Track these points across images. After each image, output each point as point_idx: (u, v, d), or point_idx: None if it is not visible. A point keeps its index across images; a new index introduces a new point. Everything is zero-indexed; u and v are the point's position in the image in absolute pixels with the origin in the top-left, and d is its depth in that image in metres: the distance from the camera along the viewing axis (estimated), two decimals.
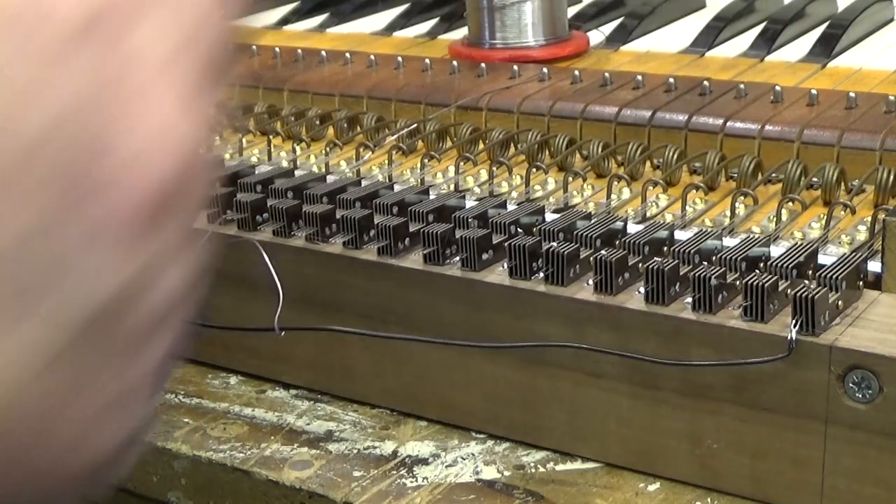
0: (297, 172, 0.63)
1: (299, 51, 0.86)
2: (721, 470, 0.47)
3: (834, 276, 0.45)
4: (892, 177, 0.58)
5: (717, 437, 0.47)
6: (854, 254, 0.48)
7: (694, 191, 0.60)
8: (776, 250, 0.49)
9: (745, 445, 0.46)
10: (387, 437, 0.53)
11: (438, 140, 0.71)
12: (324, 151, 0.69)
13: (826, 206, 0.59)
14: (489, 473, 0.50)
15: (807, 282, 0.46)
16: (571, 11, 0.94)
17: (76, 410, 0.25)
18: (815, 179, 0.60)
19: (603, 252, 0.48)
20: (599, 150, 0.66)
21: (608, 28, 0.92)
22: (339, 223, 0.55)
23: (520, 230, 0.53)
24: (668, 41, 0.89)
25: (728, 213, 0.57)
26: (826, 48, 0.82)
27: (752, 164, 0.61)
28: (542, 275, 0.49)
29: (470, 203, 0.57)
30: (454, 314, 0.51)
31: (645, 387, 0.48)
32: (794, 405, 0.45)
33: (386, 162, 0.67)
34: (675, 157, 0.64)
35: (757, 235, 0.51)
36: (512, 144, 0.69)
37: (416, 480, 0.50)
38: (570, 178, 0.62)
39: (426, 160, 0.66)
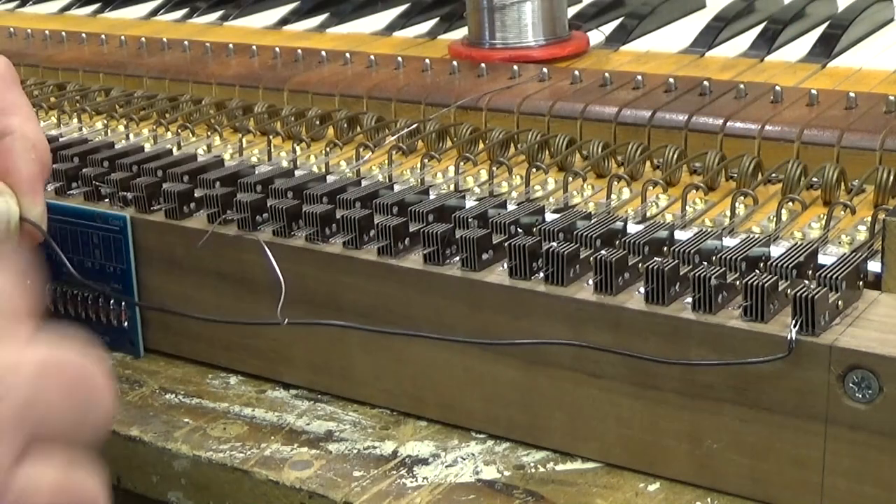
0: (297, 172, 0.63)
1: (299, 51, 0.86)
2: (721, 470, 0.47)
3: (834, 276, 0.45)
4: (892, 177, 0.58)
5: (717, 437, 0.47)
6: (854, 254, 0.48)
7: (694, 191, 0.60)
8: (776, 250, 0.49)
9: (745, 445, 0.46)
10: (387, 437, 0.53)
11: (438, 140, 0.71)
12: (324, 151, 0.69)
13: (826, 206, 0.59)
14: (489, 473, 0.50)
15: (807, 282, 0.46)
16: (571, 11, 0.94)
17: None
18: (815, 179, 0.60)
19: (603, 252, 0.48)
20: (599, 150, 0.66)
21: (608, 28, 0.92)
22: (339, 223, 0.55)
23: (520, 230, 0.53)
24: (668, 41, 0.89)
25: (728, 213, 0.57)
26: (826, 48, 0.82)
27: (752, 164, 0.61)
28: (542, 275, 0.49)
29: (470, 203, 0.57)
30: (454, 314, 0.51)
31: (645, 387, 0.48)
32: (794, 405, 0.45)
33: (386, 162, 0.67)
34: (675, 157, 0.64)
35: (757, 235, 0.51)
36: (512, 144, 0.69)
37: (416, 480, 0.50)
38: (570, 178, 0.62)
39: (426, 160, 0.66)
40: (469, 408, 0.53)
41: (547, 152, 0.67)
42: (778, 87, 0.70)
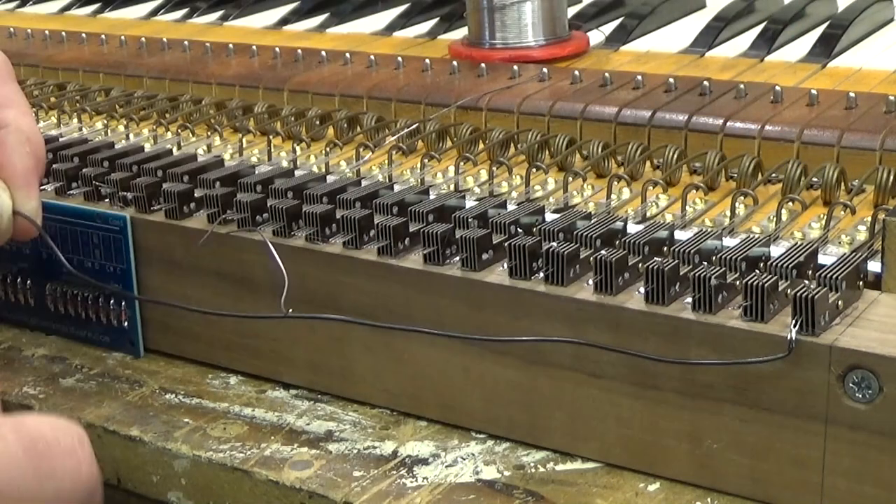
0: (297, 172, 0.63)
1: (299, 51, 0.86)
2: (721, 470, 0.47)
3: (834, 276, 0.45)
4: (892, 177, 0.58)
5: (717, 437, 0.47)
6: (854, 254, 0.48)
7: (694, 191, 0.60)
8: (776, 250, 0.49)
9: (745, 445, 0.46)
10: (387, 437, 0.53)
11: (438, 140, 0.71)
12: (324, 151, 0.69)
13: (826, 206, 0.59)
14: (489, 473, 0.50)
15: (807, 282, 0.46)
16: (571, 11, 0.94)
17: None
18: (815, 179, 0.60)
19: (603, 252, 0.48)
20: (599, 150, 0.66)
21: (608, 28, 0.92)
22: (339, 223, 0.55)
23: (520, 230, 0.53)
24: (668, 41, 0.89)
25: (728, 213, 0.57)
26: (826, 48, 0.82)
27: (752, 164, 0.61)
28: (542, 275, 0.49)
29: (470, 203, 0.57)
30: (454, 314, 0.51)
31: (645, 387, 0.48)
32: (794, 405, 0.45)
33: (386, 162, 0.67)
34: (675, 157, 0.64)
35: (757, 235, 0.51)
36: (512, 144, 0.69)
37: (416, 480, 0.50)
38: (570, 178, 0.62)
39: (426, 160, 0.66)
40: (469, 408, 0.53)
41: (547, 152, 0.67)
42: (778, 87, 0.70)
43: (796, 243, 0.49)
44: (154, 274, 0.60)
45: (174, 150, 0.70)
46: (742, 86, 0.71)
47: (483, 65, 0.80)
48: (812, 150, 0.64)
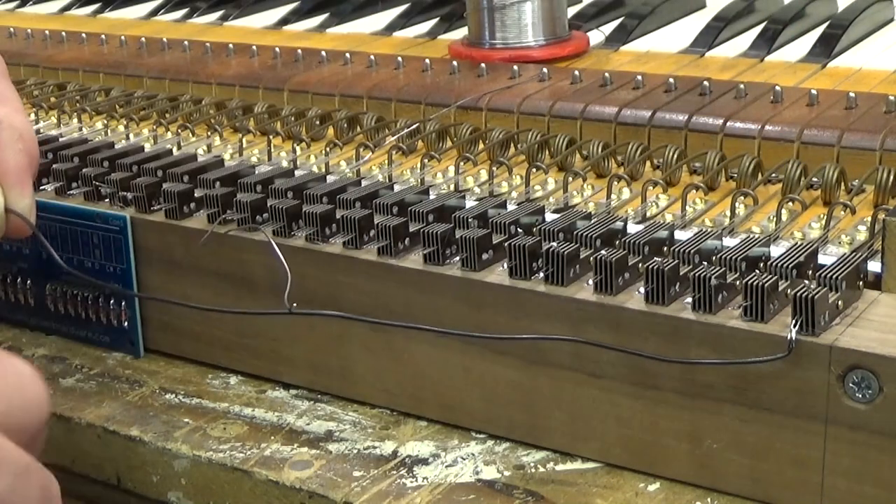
0: (297, 172, 0.63)
1: (299, 51, 0.86)
2: (721, 470, 0.47)
3: (834, 276, 0.45)
4: (892, 177, 0.58)
5: (717, 437, 0.47)
6: (854, 254, 0.48)
7: (694, 191, 0.60)
8: (776, 250, 0.49)
9: (745, 445, 0.46)
10: (387, 437, 0.53)
11: (438, 140, 0.71)
12: (324, 151, 0.69)
13: (826, 206, 0.59)
14: (489, 473, 0.50)
15: (807, 282, 0.46)
16: (571, 11, 0.94)
17: None
18: (815, 179, 0.60)
19: (603, 252, 0.48)
20: (599, 150, 0.66)
21: (608, 28, 0.92)
22: (339, 223, 0.55)
23: (520, 230, 0.53)
24: (668, 41, 0.89)
25: (728, 213, 0.57)
26: (826, 48, 0.82)
27: (752, 164, 0.61)
28: (542, 275, 0.49)
29: (470, 203, 0.57)
30: (454, 314, 0.51)
31: (645, 387, 0.48)
32: (794, 405, 0.45)
33: (386, 162, 0.67)
34: (675, 157, 0.64)
35: (757, 235, 0.51)
36: (512, 144, 0.69)
37: (416, 480, 0.50)
38: (570, 178, 0.62)
39: (426, 160, 0.66)
40: (469, 408, 0.53)
41: (547, 152, 0.67)
42: (778, 87, 0.70)
43: (796, 243, 0.49)
44: (154, 274, 0.60)
45: (174, 150, 0.70)
46: (742, 86, 0.71)
47: (483, 65, 0.80)
48: (812, 150, 0.64)
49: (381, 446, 0.53)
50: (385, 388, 0.55)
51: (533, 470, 0.50)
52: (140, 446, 0.54)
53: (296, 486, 0.50)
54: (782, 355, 0.44)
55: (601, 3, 0.97)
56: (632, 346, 0.47)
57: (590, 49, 0.86)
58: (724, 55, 0.84)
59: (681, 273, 0.47)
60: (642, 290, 0.47)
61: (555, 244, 0.50)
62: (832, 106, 0.67)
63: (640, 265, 0.48)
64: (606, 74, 0.75)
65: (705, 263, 0.48)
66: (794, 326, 0.44)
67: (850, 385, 0.43)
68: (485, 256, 0.51)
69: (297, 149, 0.71)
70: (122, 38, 0.95)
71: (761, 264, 0.48)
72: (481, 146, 0.70)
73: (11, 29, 1.02)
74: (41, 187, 0.64)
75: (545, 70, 0.77)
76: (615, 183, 0.61)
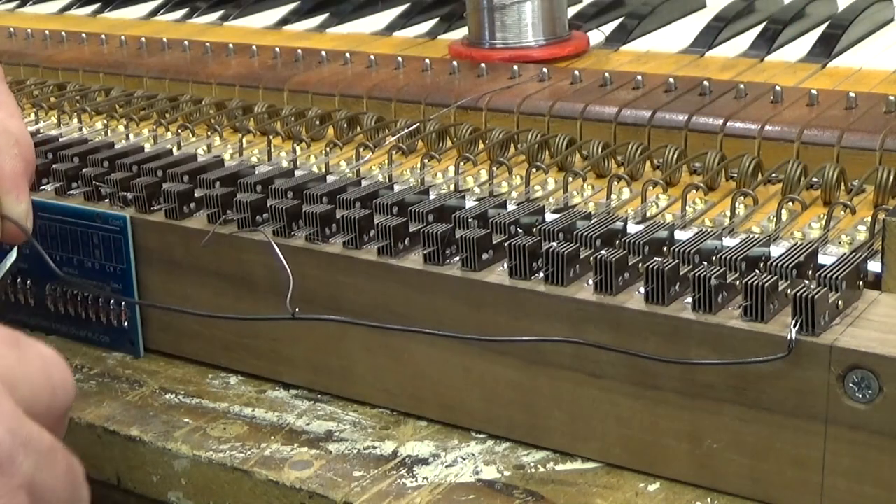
0: (297, 172, 0.63)
1: (299, 51, 0.86)
2: (721, 470, 0.47)
3: (834, 276, 0.45)
4: (892, 177, 0.58)
5: (717, 437, 0.47)
6: (854, 254, 0.48)
7: (694, 191, 0.60)
8: (776, 250, 0.49)
9: (745, 445, 0.46)
10: (387, 437, 0.53)
11: (438, 140, 0.71)
12: (324, 151, 0.69)
13: (826, 206, 0.59)
14: (489, 473, 0.50)
15: (807, 282, 0.46)
16: (571, 11, 0.94)
17: None
18: (815, 179, 0.60)
19: (603, 252, 0.48)
20: (599, 150, 0.66)
21: (608, 28, 0.92)
22: (339, 223, 0.55)
23: (520, 230, 0.53)
24: (668, 41, 0.89)
25: (728, 213, 0.57)
26: (826, 48, 0.82)
27: (752, 164, 0.61)
28: (542, 275, 0.49)
29: (470, 203, 0.57)
30: (454, 314, 0.51)
31: (645, 387, 0.48)
32: (794, 405, 0.45)
33: (386, 162, 0.67)
34: (675, 157, 0.64)
35: (757, 235, 0.51)
36: (512, 144, 0.69)
37: (416, 480, 0.50)
38: (570, 178, 0.62)
39: (426, 160, 0.66)
40: (469, 408, 0.53)
41: (547, 152, 0.67)
42: (778, 87, 0.70)
43: (796, 243, 0.49)
44: (154, 274, 0.60)
45: (174, 150, 0.70)
46: (742, 86, 0.71)
47: (483, 65, 0.80)
48: (812, 150, 0.64)
49: (381, 446, 0.53)
50: (385, 388, 0.55)
51: (533, 470, 0.50)
52: (140, 446, 0.54)
53: (296, 486, 0.50)
54: (782, 355, 0.44)
55: (601, 3, 0.97)
56: (632, 347, 0.47)
57: (590, 49, 0.86)
58: (724, 55, 0.84)
59: (681, 273, 0.47)
60: (642, 290, 0.47)
61: (555, 244, 0.50)
62: (832, 106, 0.67)
63: (640, 265, 0.48)
64: (606, 74, 0.75)
65: (705, 263, 0.48)
66: (794, 326, 0.44)
67: (850, 385, 0.43)
68: (485, 256, 0.51)
69: (297, 149, 0.71)
70: (122, 38, 0.95)
71: (761, 264, 0.48)
72: (481, 146, 0.70)
73: (11, 29, 1.02)
74: (41, 187, 0.64)
75: (545, 70, 0.77)
76: (615, 183, 0.61)
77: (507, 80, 0.76)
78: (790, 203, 0.57)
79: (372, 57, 0.83)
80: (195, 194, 0.60)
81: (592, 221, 0.52)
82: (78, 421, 0.56)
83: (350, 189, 0.58)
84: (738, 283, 0.46)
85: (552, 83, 0.75)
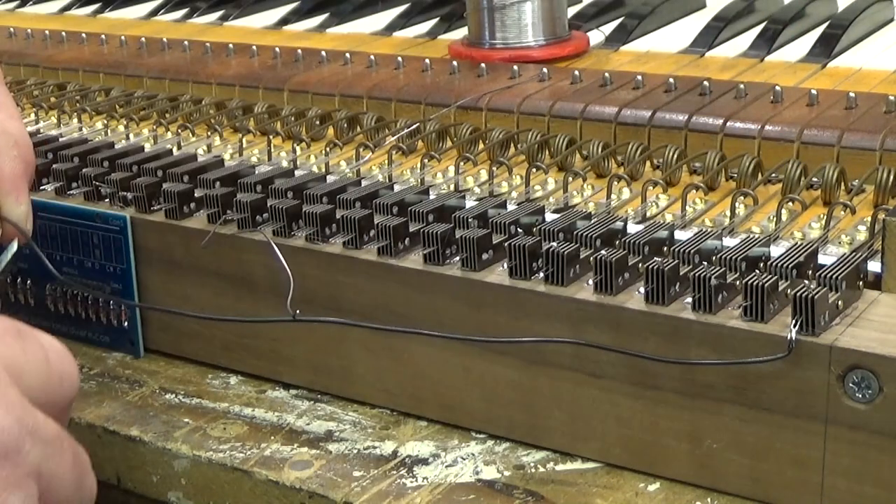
0: (297, 172, 0.63)
1: (299, 51, 0.86)
2: (721, 470, 0.47)
3: (834, 276, 0.45)
4: (892, 177, 0.58)
5: (717, 437, 0.47)
6: (854, 254, 0.48)
7: (694, 191, 0.60)
8: (776, 250, 0.49)
9: (745, 445, 0.46)
10: (387, 437, 0.53)
11: (438, 140, 0.71)
12: (324, 151, 0.69)
13: (826, 206, 0.59)
14: (489, 473, 0.50)
15: (807, 282, 0.46)
16: (571, 11, 0.94)
17: None
18: (815, 179, 0.60)
19: (603, 252, 0.48)
20: (599, 150, 0.66)
21: (608, 28, 0.92)
22: (339, 223, 0.55)
23: (520, 230, 0.53)
24: (668, 41, 0.89)
25: (728, 213, 0.57)
26: (826, 48, 0.82)
27: (752, 164, 0.61)
28: (542, 275, 0.49)
29: (470, 203, 0.57)
30: (454, 314, 0.51)
31: (645, 387, 0.48)
32: (794, 405, 0.45)
33: (386, 162, 0.67)
34: (675, 157, 0.64)
35: (757, 235, 0.51)
36: (512, 144, 0.69)
37: (416, 480, 0.50)
38: (570, 178, 0.62)
39: (426, 160, 0.66)
40: (469, 408, 0.53)
41: (547, 152, 0.67)
42: (778, 87, 0.70)
43: (796, 243, 0.49)
44: (154, 274, 0.60)
45: (174, 150, 0.70)
46: (742, 86, 0.71)
47: (483, 65, 0.80)
48: (812, 150, 0.64)
49: (381, 446, 0.53)
50: (385, 388, 0.55)
51: (533, 470, 0.50)
52: (140, 446, 0.54)
53: (296, 486, 0.50)
54: (782, 355, 0.44)
55: (601, 3, 0.97)
56: (632, 347, 0.47)
57: (590, 49, 0.86)
58: (724, 55, 0.84)
59: (681, 273, 0.47)
60: (642, 290, 0.47)
61: (555, 244, 0.50)
62: (832, 106, 0.67)
63: (640, 265, 0.48)
64: (606, 74, 0.75)
65: (705, 263, 0.48)
66: (794, 326, 0.44)
67: (850, 385, 0.43)
68: (485, 256, 0.51)
69: (297, 149, 0.71)
70: (122, 38, 0.95)
71: (761, 264, 0.48)
72: (481, 146, 0.70)
73: (11, 29, 1.02)
74: (41, 187, 0.64)
75: (545, 70, 0.77)
76: (615, 183, 0.61)
77: (507, 80, 0.76)
78: (790, 203, 0.57)
79: (372, 57, 0.83)
80: (195, 194, 0.60)
81: (592, 221, 0.52)
82: (78, 421, 0.56)
83: (350, 189, 0.58)
84: (738, 283, 0.46)
85: (552, 83, 0.75)
